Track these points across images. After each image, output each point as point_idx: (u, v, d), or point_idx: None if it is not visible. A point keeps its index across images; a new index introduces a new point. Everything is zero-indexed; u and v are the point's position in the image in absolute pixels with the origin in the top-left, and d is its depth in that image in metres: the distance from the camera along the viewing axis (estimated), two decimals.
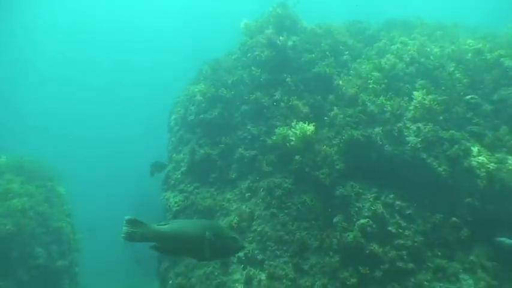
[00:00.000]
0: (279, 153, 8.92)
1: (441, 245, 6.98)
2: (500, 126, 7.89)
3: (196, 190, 9.84)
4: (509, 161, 7.22)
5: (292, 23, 10.81)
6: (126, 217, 4.31)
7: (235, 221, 8.46)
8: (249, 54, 10.77)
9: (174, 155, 11.23)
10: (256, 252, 7.88)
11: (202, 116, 10.53)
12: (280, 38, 10.37)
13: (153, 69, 45.78)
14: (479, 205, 7.03)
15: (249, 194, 9.00)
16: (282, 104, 9.55)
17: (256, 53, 10.47)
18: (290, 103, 9.45)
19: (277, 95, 9.72)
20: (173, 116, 12.08)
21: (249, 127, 9.72)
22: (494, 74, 8.53)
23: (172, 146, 11.67)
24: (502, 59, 8.49)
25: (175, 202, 9.76)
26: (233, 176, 9.49)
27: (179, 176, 10.53)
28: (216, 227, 4.63)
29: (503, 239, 6.65)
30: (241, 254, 7.77)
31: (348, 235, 7.21)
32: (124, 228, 4.27)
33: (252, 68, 10.36)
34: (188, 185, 10.07)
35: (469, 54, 8.98)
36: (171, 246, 4.36)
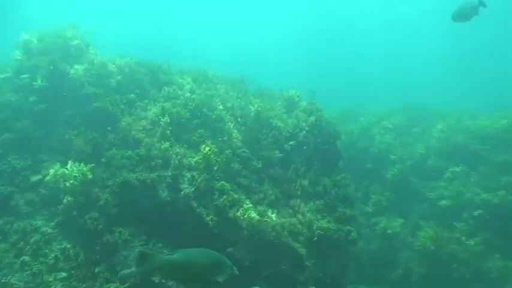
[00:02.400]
0: (43, 192, 7.97)
1: None
2: (265, 181, 8.69)
3: None
4: (269, 214, 7.91)
5: (80, 51, 10.02)
6: (138, 249, 4.82)
7: None
8: (24, 76, 9.44)
9: None
10: None
11: None
12: (65, 65, 9.48)
13: None
14: (240, 255, 7.40)
15: None
16: (55, 137, 8.61)
17: (35, 79, 9.28)
18: (65, 137, 8.63)
19: (50, 127, 8.72)
20: None
21: (9, 159, 8.37)
22: (265, 132, 9.42)
23: None
24: (271, 120, 9.49)
25: None
26: None
27: None
28: (217, 255, 4.99)
29: None
30: None
31: (110, 286, 6.73)
32: (134, 262, 4.62)
33: (26, 92, 9.12)
34: None
35: (252, 114, 9.65)
36: (181, 275, 4.66)
